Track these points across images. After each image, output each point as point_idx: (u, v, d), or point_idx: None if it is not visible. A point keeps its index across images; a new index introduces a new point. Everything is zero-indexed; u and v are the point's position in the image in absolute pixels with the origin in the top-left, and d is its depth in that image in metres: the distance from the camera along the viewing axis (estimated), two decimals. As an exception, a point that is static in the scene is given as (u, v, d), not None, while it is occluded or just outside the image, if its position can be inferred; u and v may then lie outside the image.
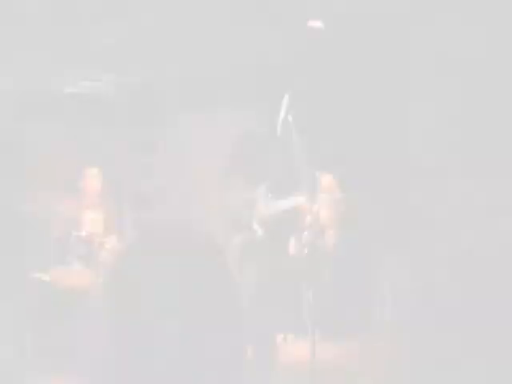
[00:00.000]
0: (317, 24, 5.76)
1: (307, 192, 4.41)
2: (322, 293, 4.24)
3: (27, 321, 6.23)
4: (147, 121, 9.08)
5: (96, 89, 9.75)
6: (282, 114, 4.64)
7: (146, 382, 1.03)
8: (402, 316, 6.78)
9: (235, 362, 1.21)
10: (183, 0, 6.02)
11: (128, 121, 8.77)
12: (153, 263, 1.03)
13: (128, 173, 8.75)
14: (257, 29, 6.99)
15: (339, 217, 4.78)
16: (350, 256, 6.32)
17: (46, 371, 6.02)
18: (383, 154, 6.81)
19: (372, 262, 6.72)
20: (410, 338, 6.22)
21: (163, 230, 1.23)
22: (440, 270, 6.29)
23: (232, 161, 6.04)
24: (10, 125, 9.68)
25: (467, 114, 6.47)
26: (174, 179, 9.05)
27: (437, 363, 5.55)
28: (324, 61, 7.15)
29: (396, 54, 6.71)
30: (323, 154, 4.62)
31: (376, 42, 6.69)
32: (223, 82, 8.43)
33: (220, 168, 8.12)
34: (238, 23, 6.77)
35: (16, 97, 9.16)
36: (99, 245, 6.34)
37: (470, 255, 6.15)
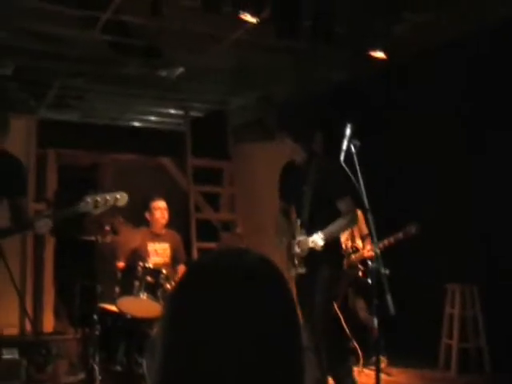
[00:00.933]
0: (379, 53, 5.75)
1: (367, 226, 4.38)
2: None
3: (95, 349, 6.29)
4: (213, 152, 9.16)
5: (163, 123, 9.92)
6: (345, 143, 4.61)
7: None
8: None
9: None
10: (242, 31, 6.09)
11: (194, 152, 8.86)
12: (212, 296, 1.03)
13: (194, 203, 8.82)
14: (322, 62, 7.02)
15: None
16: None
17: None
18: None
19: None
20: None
21: (227, 258, 1.23)
22: None
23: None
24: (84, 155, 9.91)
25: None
26: (239, 209, 9.10)
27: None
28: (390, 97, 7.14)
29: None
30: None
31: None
32: (287, 110, 8.47)
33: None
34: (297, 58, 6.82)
35: (87, 130, 9.37)
36: (166, 276, 6.36)
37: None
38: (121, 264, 6.85)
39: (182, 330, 1.30)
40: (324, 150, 5.52)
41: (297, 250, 5.34)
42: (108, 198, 4.86)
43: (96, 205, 4.81)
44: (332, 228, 5.20)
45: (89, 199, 4.77)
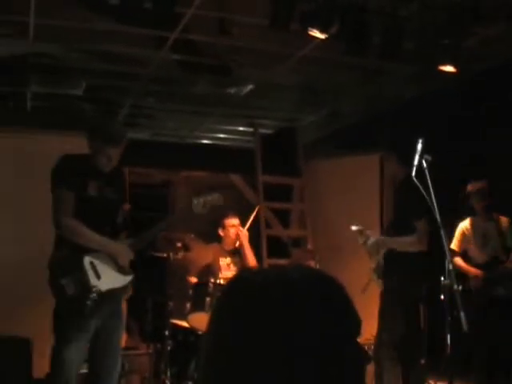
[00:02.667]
0: (449, 68, 5.69)
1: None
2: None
3: (167, 364, 6.34)
4: (283, 168, 9.17)
5: (233, 140, 9.98)
6: (417, 158, 4.60)
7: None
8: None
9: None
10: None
11: (264, 169, 8.88)
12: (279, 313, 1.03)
13: (264, 220, 8.83)
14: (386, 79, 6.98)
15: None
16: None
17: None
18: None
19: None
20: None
21: (271, 272, 1.23)
22: None
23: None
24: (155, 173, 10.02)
25: None
26: (309, 225, 9.07)
27: None
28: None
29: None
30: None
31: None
32: (357, 127, 8.45)
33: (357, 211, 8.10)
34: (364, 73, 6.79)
35: (158, 148, 9.49)
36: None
37: None
38: (193, 279, 6.91)
39: (216, 337, 1.33)
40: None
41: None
42: (210, 198, 5.30)
43: (204, 205, 5.22)
44: (393, 240, 5.40)
45: (196, 201, 5.19)
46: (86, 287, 4.54)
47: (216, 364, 1.31)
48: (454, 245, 6.51)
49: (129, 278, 4.87)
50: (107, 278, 4.67)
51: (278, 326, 1.26)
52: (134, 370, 6.88)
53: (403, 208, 5.51)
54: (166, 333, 6.39)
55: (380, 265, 5.59)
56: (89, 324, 4.61)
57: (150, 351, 7.07)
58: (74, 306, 4.51)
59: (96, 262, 4.65)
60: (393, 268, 5.48)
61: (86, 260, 4.61)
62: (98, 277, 4.62)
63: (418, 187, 4.52)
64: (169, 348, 6.38)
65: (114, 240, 4.80)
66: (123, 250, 4.80)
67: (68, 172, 4.67)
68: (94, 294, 4.54)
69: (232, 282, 1.39)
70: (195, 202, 5.20)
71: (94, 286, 4.56)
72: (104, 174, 4.78)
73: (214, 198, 5.31)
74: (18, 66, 6.67)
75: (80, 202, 4.63)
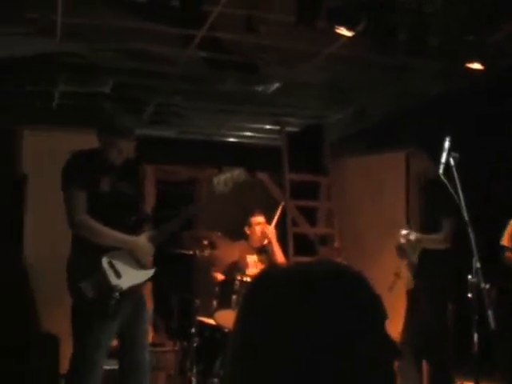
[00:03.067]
0: (476, 65, 5.65)
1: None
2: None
3: (193, 362, 6.36)
4: (309, 166, 9.16)
5: (259, 138, 9.98)
6: (444, 156, 4.59)
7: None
8: None
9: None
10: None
11: (291, 167, 8.88)
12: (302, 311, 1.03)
13: (291, 218, 8.83)
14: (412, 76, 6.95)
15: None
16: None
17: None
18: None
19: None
20: None
21: (295, 268, 1.23)
22: None
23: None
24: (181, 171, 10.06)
25: None
26: (336, 223, 9.05)
27: None
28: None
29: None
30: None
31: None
32: (383, 125, 8.42)
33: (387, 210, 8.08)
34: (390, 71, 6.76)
35: (184, 146, 9.52)
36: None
37: None
38: (219, 276, 6.92)
39: (242, 334, 1.33)
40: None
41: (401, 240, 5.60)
42: (230, 175, 5.11)
43: (226, 183, 5.07)
44: (428, 237, 5.43)
45: (216, 180, 5.03)
46: (107, 288, 4.49)
47: (242, 361, 1.32)
48: (504, 240, 6.48)
49: (150, 273, 4.81)
50: (128, 276, 4.62)
51: (301, 323, 1.27)
52: (160, 367, 6.91)
53: (432, 206, 5.53)
54: (193, 330, 6.41)
55: (414, 264, 5.61)
56: (113, 324, 4.59)
57: (176, 348, 7.10)
58: (95, 309, 4.47)
59: (115, 261, 4.59)
60: (428, 267, 5.51)
61: (104, 260, 4.55)
62: (119, 275, 4.57)
63: (446, 185, 4.51)
64: (195, 345, 6.39)
65: (133, 235, 4.74)
66: (143, 245, 4.71)
67: (78, 170, 4.62)
68: (117, 294, 4.49)
69: (256, 279, 1.40)
70: (215, 180, 5.05)
71: (116, 286, 4.51)
72: (116, 168, 4.72)
73: (235, 174, 5.14)
74: (46, 65, 6.71)
75: (93, 200, 4.58)
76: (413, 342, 5.44)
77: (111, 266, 4.56)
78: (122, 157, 4.73)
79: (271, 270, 1.44)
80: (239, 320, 1.37)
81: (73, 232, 4.63)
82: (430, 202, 5.62)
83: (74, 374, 4.58)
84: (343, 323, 1.28)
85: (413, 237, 5.52)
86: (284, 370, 1.26)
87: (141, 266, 4.72)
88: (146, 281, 4.86)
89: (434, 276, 5.45)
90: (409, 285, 5.68)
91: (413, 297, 5.64)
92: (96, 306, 4.46)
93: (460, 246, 4.70)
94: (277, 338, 1.27)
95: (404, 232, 5.60)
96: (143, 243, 4.72)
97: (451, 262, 5.46)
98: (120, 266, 4.60)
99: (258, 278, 1.40)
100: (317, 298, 1.29)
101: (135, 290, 4.72)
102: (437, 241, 5.48)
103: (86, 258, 4.54)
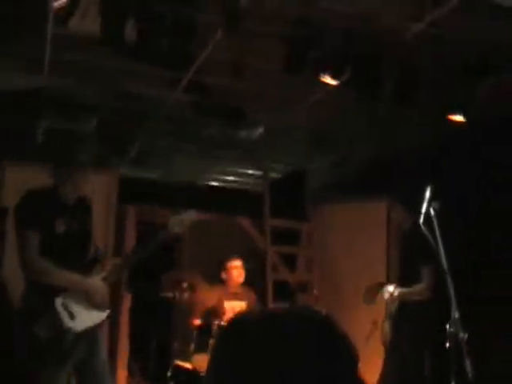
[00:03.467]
0: (458, 117, 5.72)
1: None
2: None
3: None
4: (290, 212, 9.18)
5: (242, 183, 10.01)
6: (425, 206, 4.61)
7: None
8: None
9: None
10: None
11: (272, 212, 8.89)
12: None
13: (271, 264, 8.82)
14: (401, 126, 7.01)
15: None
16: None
17: None
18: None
19: None
20: None
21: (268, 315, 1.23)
22: None
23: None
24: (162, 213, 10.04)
25: None
26: (316, 270, 9.05)
27: None
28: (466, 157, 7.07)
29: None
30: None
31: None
32: (366, 173, 8.46)
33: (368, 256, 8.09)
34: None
35: (166, 188, 9.52)
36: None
37: None
38: (196, 321, 6.88)
39: (214, 377, 1.34)
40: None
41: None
42: (187, 216, 5.05)
43: (181, 223, 4.96)
44: (410, 291, 5.43)
45: (173, 219, 4.93)
46: (61, 330, 4.35)
47: None
48: None
49: (104, 315, 4.65)
50: (82, 317, 4.47)
51: (282, 364, 1.27)
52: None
53: (410, 256, 5.55)
54: (169, 373, 6.36)
55: (393, 314, 5.59)
56: (67, 367, 4.44)
57: (152, 392, 7.04)
58: (49, 354, 4.31)
59: (68, 302, 4.44)
60: (407, 318, 5.50)
61: (58, 302, 4.39)
62: (72, 317, 4.42)
63: (424, 234, 4.53)
64: (171, 389, 6.34)
65: (88, 275, 4.59)
66: (97, 286, 4.58)
67: (32, 210, 4.45)
68: (70, 337, 4.36)
69: (228, 324, 1.41)
70: (171, 220, 4.98)
71: (70, 328, 4.37)
72: (69, 206, 4.61)
73: (190, 214, 5.11)
74: (30, 100, 6.72)
75: (47, 241, 4.42)
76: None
77: (65, 307, 4.42)
78: (76, 194, 4.64)
79: (246, 315, 1.45)
80: (211, 363, 1.38)
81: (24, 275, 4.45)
82: (408, 253, 5.63)
83: None
84: (323, 365, 1.29)
85: (396, 293, 5.52)
86: None
87: (95, 306, 4.58)
88: (99, 322, 4.68)
89: (414, 325, 5.45)
90: (386, 336, 5.66)
91: (391, 346, 5.61)
92: (50, 348, 4.31)
93: (441, 296, 4.69)
94: (256, 375, 1.27)
95: (390, 289, 5.61)
96: (97, 283, 4.59)
97: (431, 311, 5.45)
98: (74, 307, 4.46)
99: (229, 324, 1.41)
100: (297, 341, 1.29)
101: (90, 331, 4.56)
102: (418, 292, 5.45)
103: (39, 299, 4.38)
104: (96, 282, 4.61)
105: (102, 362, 4.71)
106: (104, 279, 4.67)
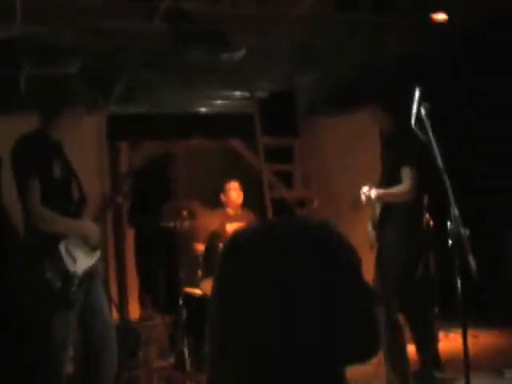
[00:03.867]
0: (441, 16, 5.67)
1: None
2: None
3: (183, 333, 6.40)
4: (282, 130, 9.17)
5: (230, 106, 9.97)
6: (415, 107, 4.61)
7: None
8: None
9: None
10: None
11: (264, 132, 8.88)
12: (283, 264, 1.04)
13: (267, 182, 8.86)
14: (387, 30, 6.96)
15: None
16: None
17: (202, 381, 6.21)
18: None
19: None
20: None
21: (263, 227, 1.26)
22: None
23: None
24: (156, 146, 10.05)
25: None
26: (313, 185, 9.11)
27: None
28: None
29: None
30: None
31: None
32: (355, 84, 8.43)
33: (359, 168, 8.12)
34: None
35: (156, 121, 9.50)
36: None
37: None
38: (200, 247, 6.95)
39: (219, 294, 1.36)
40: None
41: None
42: None
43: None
44: (388, 192, 5.37)
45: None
46: (67, 275, 4.39)
47: (223, 319, 1.34)
48: None
49: (98, 254, 4.71)
50: (81, 260, 4.51)
51: (271, 277, 1.28)
52: (151, 341, 6.95)
53: (392, 158, 5.47)
54: (180, 302, 6.45)
55: (376, 219, 5.54)
56: (75, 309, 4.49)
57: (166, 321, 7.14)
58: (60, 299, 4.37)
59: (69, 247, 4.47)
60: (391, 221, 5.44)
61: (62, 247, 4.43)
62: (75, 261, 4.46)
63: (408, 135, 4.56)
64: (184, 317, 6.44)
65: (79, 218, 4.61)
66: (92, 229, 4.61)
67: (30, 156, 4.42)
68: (76, 281, 4.42)
69: (228, 240, 1.43)
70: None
71: (74, 271, 4.42)
72: (61, 149, 4.61)
73: None
74: (8, 50, 6.64)
75: (45, 186, 4.39)
76: (386, 296, 5.33)
77: (68, 252, 4.45)
78: (65, 136, 4.62)
79: (244, 229, 1.46)
80: (215, 280, 1.40)
81: (26, 219, 4.45)
82: (390, 155, 5.56)
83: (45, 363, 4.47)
84: (324, 275, 1.31)
85: (373, 194, 5.40)
86: (269, 315, 1.28)
87: (92, 248, 4.62)
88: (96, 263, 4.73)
89: (398, 230, 5.37)
90: (372, 242, 5.60)
91: (379, 253, 5.52)
92: (61, 294, 4.37)
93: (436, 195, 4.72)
94: (258, 287, 1.29)
95: (365, 189, 5.49)
96: (91, 227, 4.62)
97: (416, 212, 5.42)
98: (74, 250, 4.49)
99: (232, 238, 1.43)
100: (296, 252, 1.31)
101: (88, 272, 4.60)
102: (398, 194, 5.33)
103: (43, 246, 4.41)
104: (90, 225, 4.63)
105: (100, 297, 4.77)
106: (94, 220, 4.72)
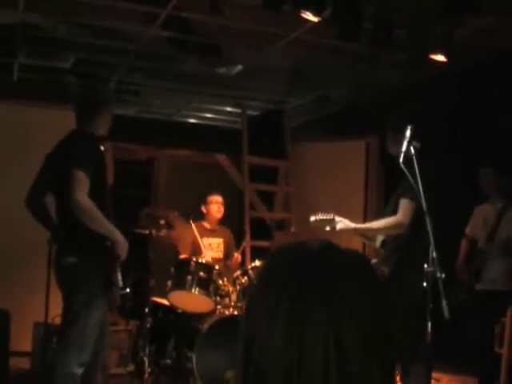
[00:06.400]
0: (440, 57, 5.68)
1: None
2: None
3: (145, 342, 6.34)
4: (269, 150, 9.17)
5: (220, 120, 9.96)
6: (405, 144, 4.60)
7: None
8: None
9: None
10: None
11: (250, 150, 8.87)
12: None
13: (248, 201, 8.84)
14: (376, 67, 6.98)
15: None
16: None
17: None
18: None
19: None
20: None
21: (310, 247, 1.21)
22: None
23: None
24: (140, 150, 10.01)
25: None
26: (294, 208, 9.08)
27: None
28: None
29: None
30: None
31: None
32: (345, 113, 8.45)
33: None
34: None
35: (143, 125, 9.46)
36: (218, 271, 6.40)
37: None
38: (184, 256, 6.90)
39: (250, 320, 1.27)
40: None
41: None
42: None
43: None
44: (373, 224, 5.24)
45: None
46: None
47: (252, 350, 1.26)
48: (468, 229, 6.47)
49: None
50: None
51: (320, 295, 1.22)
52: (112, 346, 6.87)
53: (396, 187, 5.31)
54: (146, 310, 6.39)
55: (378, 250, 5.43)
56: None
57: (129, 328, 7.07)
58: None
59: None
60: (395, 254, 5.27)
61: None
62: None
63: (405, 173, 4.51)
64: (148, 325, 6.37)
65: None
66: (125, 242, 4.64)
67: (92, 156, 4.48)
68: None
69: (287, 248, 1.34)
70: None
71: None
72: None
73: None
74: (7, 36, 6.61)
75: (94, 188, 4.40)
76: None
77: None
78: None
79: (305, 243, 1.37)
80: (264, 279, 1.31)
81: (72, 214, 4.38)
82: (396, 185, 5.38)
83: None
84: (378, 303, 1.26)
85: (339, 226, 5.22)
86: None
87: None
88: None
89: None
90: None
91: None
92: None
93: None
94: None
95: (337, 219, 5.26)
96: (124, 239, 4.63)
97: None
98: None
99: (293, 247, 1.34)
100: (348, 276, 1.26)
101: None
102: (393, 224, 5.07)
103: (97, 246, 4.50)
104: (123, 238, 4.61)
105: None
106: None
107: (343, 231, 5.24)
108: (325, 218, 5.32)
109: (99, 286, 4.52)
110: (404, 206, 4.98)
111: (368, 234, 5.39)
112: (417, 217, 4.83)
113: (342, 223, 5.23)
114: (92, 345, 4.49)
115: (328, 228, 5.28)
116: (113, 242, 4.50)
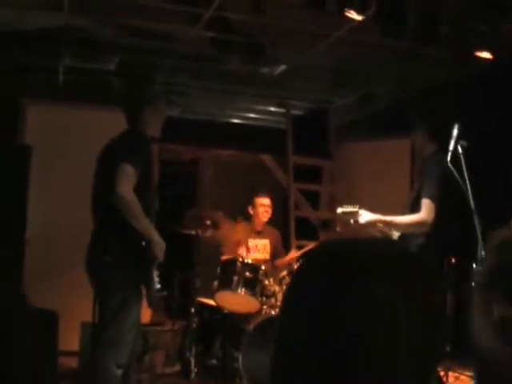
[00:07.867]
0: (485, 54, 5.60)
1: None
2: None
3: (192, 342, 6.36)
4: (314, 150, 9.13)
5: (264, 120, 9.95)
6: (452, 144, 4.55)
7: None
8: None
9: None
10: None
11: (295, 150, 8.85)
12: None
13: (294, 201, 8.82)
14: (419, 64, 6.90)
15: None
16: None
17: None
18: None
19: None
20: None
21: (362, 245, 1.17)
22: None
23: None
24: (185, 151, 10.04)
25: None
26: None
27: None
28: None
29: None
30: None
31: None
32: (390, 111, 8.38)
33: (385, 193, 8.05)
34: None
35: (188, 126, 9.48)
36: (265, 271, 6.38)
37: None
38: (230, 257, 6.88)
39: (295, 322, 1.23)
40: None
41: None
42: None
43: None
44: (396, 218, 5.16)
45: None
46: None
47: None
48: None
49: None
50: None
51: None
52: (158, 346, 6.90)
53: (420, 184, 5.20)
54: (192, 310, 6.41)
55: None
56: None
57: (176, 328, 7.10)
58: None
59: None
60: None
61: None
62: None
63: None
64: (194, 325, 6.40)
65: None
66: (163, 243, 4.58)
67: (142, 152, 4.50)
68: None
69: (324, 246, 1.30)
70: None
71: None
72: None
73: None
74: (52, 39, 6.67)
75: (140, 185, 4.39)
76: None
77: None
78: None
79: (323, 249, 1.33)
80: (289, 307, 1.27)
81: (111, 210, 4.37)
82: (420, 181, 5.29)
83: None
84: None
85: (363, 219, 5.23)
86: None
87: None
88: None
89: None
90: None
91: None
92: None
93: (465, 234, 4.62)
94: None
95: (361, 212, 5.29)
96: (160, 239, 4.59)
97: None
98: None
99: (323, 249, 1.30)
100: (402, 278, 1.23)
101: None
102: (415, 221, 5.01)
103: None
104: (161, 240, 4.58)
105: None
106: None
107: (367, 224, 5.19)
108: (350, 210, 5.29)
109: (134, 287, 4.51)
110: (427, 204, 4.92)
111: (387, 230, 5.30)
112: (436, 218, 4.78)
113: (365, 215, 5.18)
114: (130, 346, 4.51)
115: (352, 221, 5.25)
116: (148, 241, 4.45)
